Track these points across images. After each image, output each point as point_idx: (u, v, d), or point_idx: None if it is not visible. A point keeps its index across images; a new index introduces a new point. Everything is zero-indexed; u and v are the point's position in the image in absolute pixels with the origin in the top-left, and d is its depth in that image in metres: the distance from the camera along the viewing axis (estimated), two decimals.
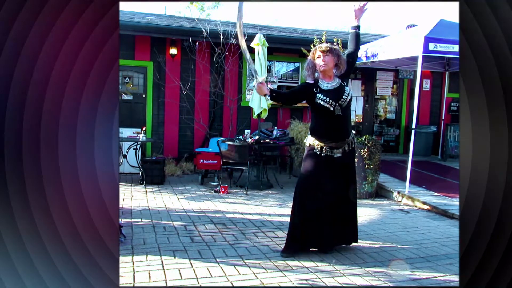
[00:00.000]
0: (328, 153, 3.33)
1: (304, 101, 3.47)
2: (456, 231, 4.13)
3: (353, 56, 3.47)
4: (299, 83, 9.07)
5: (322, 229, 3.38)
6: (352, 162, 3.49)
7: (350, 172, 3.47)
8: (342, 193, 3.43)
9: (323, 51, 3.28)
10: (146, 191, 5.97)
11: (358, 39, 3.46)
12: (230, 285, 2.77)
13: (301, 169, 3.50)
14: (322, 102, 3.25)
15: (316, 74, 3.38)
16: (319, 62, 3.29)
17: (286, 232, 3.50)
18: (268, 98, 3.30)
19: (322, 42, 6.78)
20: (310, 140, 3.42)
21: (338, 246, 3.55)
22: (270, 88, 3.32)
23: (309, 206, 3.34)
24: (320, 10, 40.20)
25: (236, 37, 7.50)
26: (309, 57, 3.45)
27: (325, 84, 3.31)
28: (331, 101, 3.24)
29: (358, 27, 3.44)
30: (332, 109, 3.25)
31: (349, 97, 3.29)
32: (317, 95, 3.27)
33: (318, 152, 3.34)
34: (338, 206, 3.41)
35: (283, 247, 3.43)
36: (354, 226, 3.56)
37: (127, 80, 8.16)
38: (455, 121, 9.52)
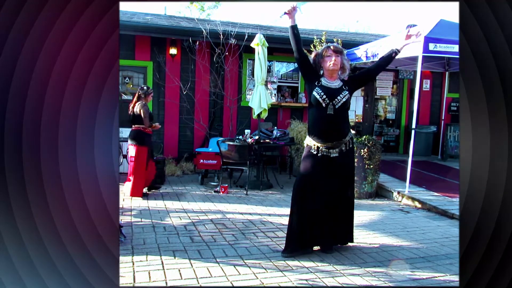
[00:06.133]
0: (325, 153, 3.34)
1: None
2: (456, 231, 4.13)
3: (376, 69, 3.54)
4: (299, 83, 9.08)
5: (319, 229, 3.38)
6: (350, 162, 3.49)
7: (347, 172, 3.48)
8: (339, 193, 3.43)
9: (335, 51, 3.32)
10: (146, 191, 5.96)
11: (391, 61, 3.49)
12: (230, 285, 2.77)
13: (299, 169, 3.51)
14: (317, 95, 3.30)
15: (321, 71, 3.41)
16: (329, 60, 3.31)
17: (286, 232, 3.50)
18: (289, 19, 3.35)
19: (322, 42, 6.78)
20: (307, 141, 3.45)
21: (338, 246, 3.55)
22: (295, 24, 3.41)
23: (307, 206, 3.34)
24: (320, 10, 40.21)
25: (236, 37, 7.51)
26: (315, 53, 3.48)
27: (326, 82, 3.35)
28: (325, 97, 3.27)
29: (398, 52, 3.46)
30: (324, 105, 3.27)
31: (344, 99, 3.29)
32: (316, 88, 3.33)
33: (315, 152, 3.35)
34: (335, 206, 3.42)
35: (283, 247, 3.43)
36: (350, 226, 3.57)
37: (127, 80, 8.16)
38: (455, 121, 9.52)
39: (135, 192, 5.48)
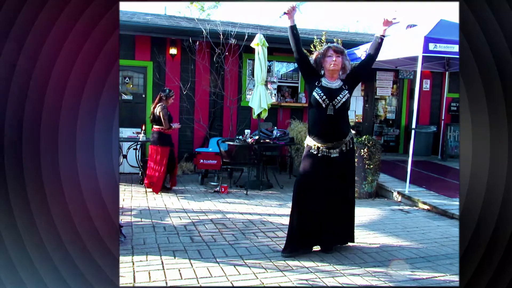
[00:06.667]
0: (325, 153, 3.34)
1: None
2: (456, 231, 4.13)
3: (368, 60, 3.49)
4: (299, 83, 9.08)
5: (320, 229, 3.38)
6: (350, 162, 3.49)
7: (348, 172, 3.48)
8: (340, 193, 3.43)
9: (336, 51, 3.32)
10: (146, 191, 5.97)
11: (379, 48, 3.46)
12: (230, 285, 2.77)
13: (299, 169, 3.51)
14: (316, 96, 3.29)
15: (322, 71, 3.40)
16: (329, 60, 3.31)
17: (286, 232, 3.50)
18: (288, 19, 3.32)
19: (322, 42, 6.78)
20: (308, 141, 3.45)
21: (338, 246, 3.55)
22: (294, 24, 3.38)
23: (307, 206, 3.34)
24: (320, 10, 40.20)
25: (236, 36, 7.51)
26: (316, 53, 3.47)
27: (326, 82, 3.34)
28: (325, 97, 3.27)
29: (383, 37, 3.43)
30: (324, 106, 3.27)
31: (344, 99, 3.29)
32: (316, 88, 3.32)
33: (315, 152, 3.35)
34: (336, 206, 3.41)
35: (283, 247, 3.43)
36: (351, 226, 3.57)
37: (127, 80, 8.16)
38: (455, 121, 9.52)
39: (157, 189, 5.86)
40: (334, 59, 3.29)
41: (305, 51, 3.49)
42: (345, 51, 3.44)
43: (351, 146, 3.43)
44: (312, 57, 3.49)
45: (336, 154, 3.35)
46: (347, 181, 3.48)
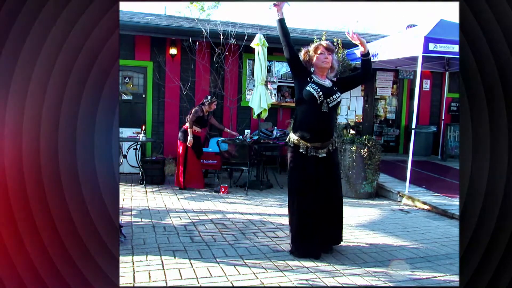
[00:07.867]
0: (313, 153, 3.30)
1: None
2: (456, 231, 4.13)
3: (361, 77, 3.55)
4: None
5: (321, 230, 3.36)
6: (336, 161, 3.47)
7: (335, 171, 3.45)
8: (331, 193, 3.39)
9: (327, 49, 3.31)
10: (146, 191, 5.97)
11: (367, 65, 3.43)
12: (230, 285, 2.77)
13: (289, 172, 3.44)
14: (312, 91, 3.22)
15: (312, 68, 3.39)
16: (321, 57, 3.29)
17: (286, 232, 3.49)
18: (277, 13, 3.30)
19: None
20: (294, 139, 3.36)
21: (338, 246, 3.55)
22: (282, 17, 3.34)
23: (306, 208, 3.30)
24: (320, 10, 40.21)
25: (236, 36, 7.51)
26: (305, 49, 3.44)
27: (318, 79, 3.32)
28: (321, 93, 3.23)
29: (365, 55, 3.41)
30: (318, 102, 3.22)
31: (338, 99, 3.30)
32: (310, 84, 3.28)
33: (304, 153, 3.30)
34: (328, 207, 3.37)
35: (290, 248, 3.40)
36: (341, 225, 3.53)
37: (127, 80, 8.16)
38: (455, 121, 9.52)
39: (176, 182, 6.36)
40: (326, 56, 3.29)
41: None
42: (335, 50, 3.42)
43: (336, 145, 3.44)
44: (301, 54, 3.45)
45: (324, 154, 3.31)
46: (336, 180, 3.44)
